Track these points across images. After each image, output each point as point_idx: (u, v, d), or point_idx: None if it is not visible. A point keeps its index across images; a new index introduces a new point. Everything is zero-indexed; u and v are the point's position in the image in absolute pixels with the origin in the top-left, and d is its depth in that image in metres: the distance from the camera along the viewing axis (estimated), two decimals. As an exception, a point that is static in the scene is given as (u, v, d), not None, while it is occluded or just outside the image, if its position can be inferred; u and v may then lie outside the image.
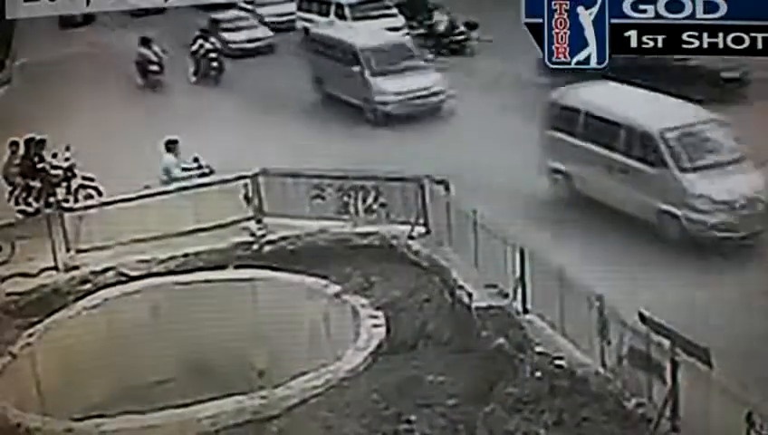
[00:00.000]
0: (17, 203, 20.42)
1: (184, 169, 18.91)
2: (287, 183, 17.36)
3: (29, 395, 14.52)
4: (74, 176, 20.55)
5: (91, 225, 16.81)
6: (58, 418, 13.50)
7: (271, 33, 36.28)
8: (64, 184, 20.58)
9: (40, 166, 20.44)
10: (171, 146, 19.16)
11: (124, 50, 33.32)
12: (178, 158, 19.13)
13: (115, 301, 15.94)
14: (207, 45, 32.13)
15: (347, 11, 34.35)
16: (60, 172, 20.53)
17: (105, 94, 29.79)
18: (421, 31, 33.35)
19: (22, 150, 20.71)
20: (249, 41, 35.51)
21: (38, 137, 20.86)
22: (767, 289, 15.38)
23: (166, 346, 15.64)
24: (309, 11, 36.38)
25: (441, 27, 32.99)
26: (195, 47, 32.25)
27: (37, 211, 19.56)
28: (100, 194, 19.62)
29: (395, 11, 34.57)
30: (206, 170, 18.96)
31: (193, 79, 32.07)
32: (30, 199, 20.42)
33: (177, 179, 18.52)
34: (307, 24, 36.17)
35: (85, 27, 40.49)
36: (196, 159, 19.25)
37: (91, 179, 20.35)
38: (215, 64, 31.90)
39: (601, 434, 11.65)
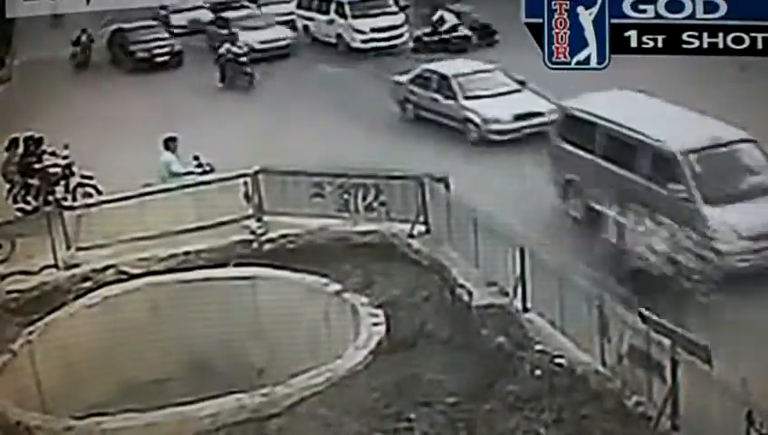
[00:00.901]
0: (16, 201, 20.43)
1: (186, 174, 18.88)
2: (287, 181, 17.34)
3: (29, 393, 14.48)
4: (72, 174, 20.55)
5: (92, 223, 16.81)
6: (58, 416, 13.48)
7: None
8: (63, 182, 20.59)
9: (38, 165, 20.46)
10: (170, 144, 19.14)
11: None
12: (177, 155, 19.15)
13: (115, 299, 15.91)
14: (235, 49, 31.34)
15: (347, 9, 34.36)
16: (58, 170, 20.55)
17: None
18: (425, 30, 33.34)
19: (21, 148, 20.72)
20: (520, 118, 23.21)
21: (36, 135, 20.88)
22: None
23: (166, 344, 15.63)
24: (309, 8, 36.36)
25: (444, 26, 32.86)
26: (222, 50, 31.65)
27: (36, 209, 19.56)
28: (98, 192, 19.62)
29: (395, 8, 34.58)
30: (207, 168, 18.96)
31: (220, 85, 31.43)
32: (29, 197, 20.43)
33: (177, 175, 18.52)
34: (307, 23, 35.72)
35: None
36: (196, 157, 19.24)
37: (90, 178, 20.35)
38: (247, 69, 30.81)
39: (601, 432, 11.66)
